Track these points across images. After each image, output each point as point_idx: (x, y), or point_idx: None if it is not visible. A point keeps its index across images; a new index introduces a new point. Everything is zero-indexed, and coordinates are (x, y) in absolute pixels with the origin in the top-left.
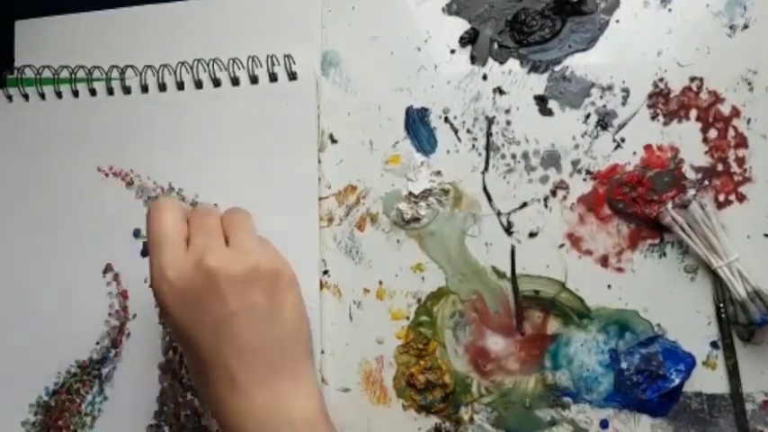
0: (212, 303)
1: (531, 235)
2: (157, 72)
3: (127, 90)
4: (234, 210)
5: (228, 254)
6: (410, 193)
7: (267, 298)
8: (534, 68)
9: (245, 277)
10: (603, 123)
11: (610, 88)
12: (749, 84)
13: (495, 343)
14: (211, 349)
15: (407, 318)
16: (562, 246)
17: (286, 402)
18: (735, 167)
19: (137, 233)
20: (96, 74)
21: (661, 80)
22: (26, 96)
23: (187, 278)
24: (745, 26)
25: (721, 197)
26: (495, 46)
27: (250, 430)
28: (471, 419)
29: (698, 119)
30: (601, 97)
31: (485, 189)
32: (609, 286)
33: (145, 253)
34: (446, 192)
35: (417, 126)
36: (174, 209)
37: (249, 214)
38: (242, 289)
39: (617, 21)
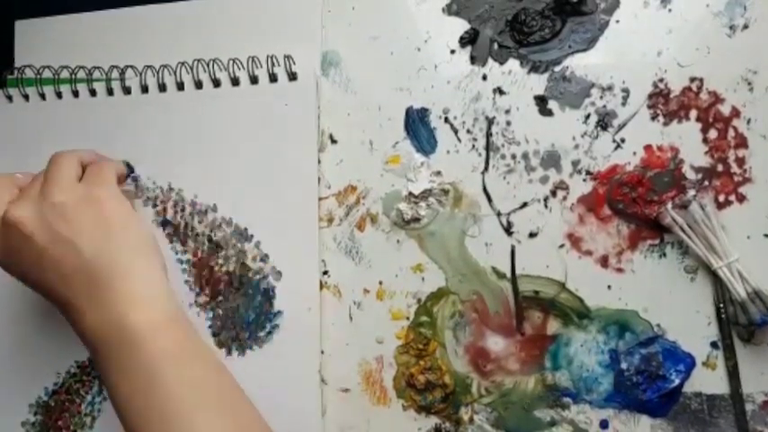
0: (24, 247)
1: (531, 235)
2: (157, 72)
3: (127, 90)
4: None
5: (30, 200)
6: (410, 194)
7: (70, 227)
8: (534, 69)
9: (48, 215)
10: (603, 124)
11: (610, 88)
12: (749, 84)
13: (495, 343)
14: (42, 286)
15: (407, 318)
16: (562, 246)
17: (117, 315)
18: (735, 168)
19: None
20: (96, 74)
21: (661, 80)
22: (26, 96)
23: (1, 235)
24: (745, 26)
25: (721, 197)
26: (495, 46)
27: (98, 348)
28: (471, 420)
29: (698, 119)
30: (601, 97)
31: (485, 189)
32: (609, 287)
33: None
34: (446, 192)
35: (417, 126)
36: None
37: (104, 162)
38: (47, 225)
39: (617, 21)
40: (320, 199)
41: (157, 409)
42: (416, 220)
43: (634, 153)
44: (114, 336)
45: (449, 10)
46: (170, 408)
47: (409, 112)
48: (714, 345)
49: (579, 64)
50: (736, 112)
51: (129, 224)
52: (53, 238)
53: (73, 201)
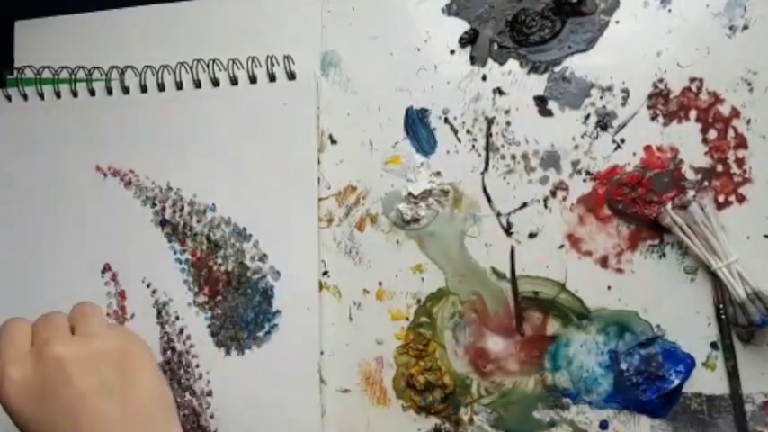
0: (61, 389)
1: (531, 236)
2: (157, 72)
3: (126, 90)
4: (79, 303)
5: (73, 340)
6: (410, 194)
7: (117, 374)
8: (534, 69)
9: (90, 358)
10: (603, 124)
11: (609, 89)
12: (749, 84)
13: (495, 344)
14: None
15: (407, 318)
16: (562, 246)
17: None
18: (734, 168)
19: None
20: (96, 74)
21: (661, 81)
22: (25, 96)
23: (32, 372)
24: (745, 27)
25: (721, 198)
26: (495, 46)
27: None
28: (471, 420)
29: (698, 119)
30: (600, 98)
31: (484, 190)
32: (608, 287)
33: None
34: (446, 192)
35: (417, 126)
36: (17, 320)
37: (96, 305)
38: (88, 369)
39: (617, 21)
40: (320, 199)
41: None
42: (416, 220)
43: (634, 153)
44: None
45: (449, 10)
46: None
47: (409, 112)
48: (714, 345)
49: (579, 64)
50: (735, 113)
51: (158, 383)
52: (98, 384)
53: (114, 349)
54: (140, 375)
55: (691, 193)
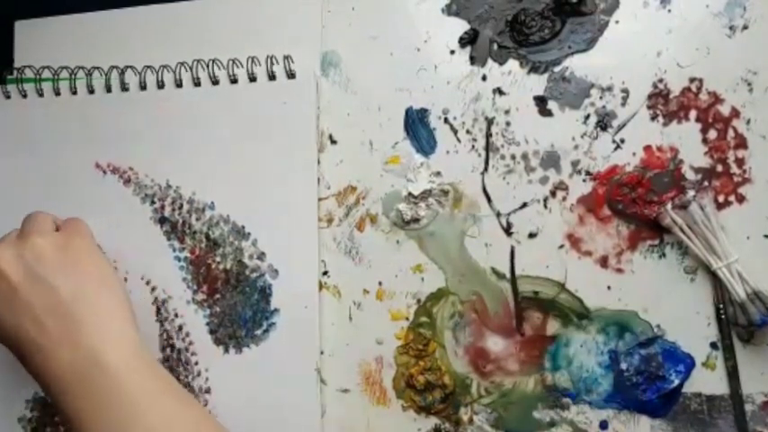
0: (0, 286)
1: (531, 236)
2: (157, 72)
3: (125, 88)
4: (36, 212)
5: (11, 242)
6: (410, 194)
7: (54, 261)
8: (534, 69)
9: (26, 255)
10: (603, 124)
11: (609, 89)
12: (749, 84)
13: (495, 344)
14: (11, 325)
15: (407, 318)
16: (562, 246)
17: (93, 352)
18: (734, 168)
19: None
20: (96, 75)
21: (660, 81)
22: (24, 94)
23: None
24: (745, 27)
25: (721, 198)
26: (495, 46)
27: (68, 388)
28: (471, 420)
29: (697, 119)
30: (600, 98)
31: (484, 190)
32: (608, 287)
33: None
34: (446, 192)
35: (417, 127)
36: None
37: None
38: (23, 264)
39: (616, 21)
40: (320, 199)
41: None
42: (416, 220)
43: (634, 153)
44: (89, 374)
45: (448, 10)
46: None
47: (409, 112)
48: (714, 345)
49: (579, 64)
50: (735, 113)
51: (101, 266)
52: (28, 278)
53: (51, 245)
54: (79, 261)
55: (691, 193)
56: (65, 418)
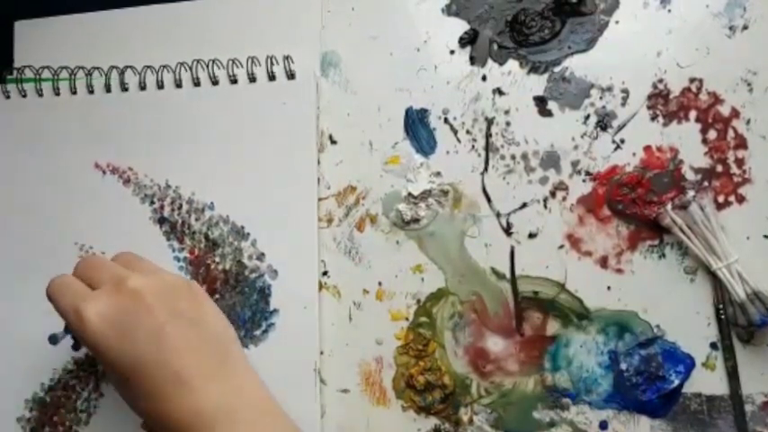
0: (143, 319)
1: (531, 236)
2: (156, 72)
3: (125, 88)
4: (123, 252)
5: (145, 274)
6: (409, 194)
7: (190, 305)
8: (534, 69)
9: (166, 290)
10: (603, 124)
11: (609, 89)
12: (749, 85)
13: (495, 344)
14: (153, 361)
15: (407, 319)
16: (561, 247)
17: (239, 391)
18: (734, 168)
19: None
20: (96, 75)
21: (660, 81)
22: (24, 93)
23: (113, 305)
24: (745, 27)
25: (721, 198)
26: (495, 47)
27: (213, 423)
28: (471, 420)
29: (697, 120)
30: (600, 98)
31: (484, 190)
32: (608, 287)
33: (76, 346)
34: (445, 193)
35: (417, 127)
36: (62, 276)
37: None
38: (166, 300)
39: (616, 21)
40: (320, 199)
41: None
42: (416, 220)
43: (633, 154)
44: (238, 408)
45: (448, 10)
46: None
47: (409, 112)
48: (713, 345)
49: (579, 65)
50: (735, 113)
51: (224, 317)
52: (173, 314)
53: (181, 281)
54: (207, 306)
55: (690, 193)
56: None
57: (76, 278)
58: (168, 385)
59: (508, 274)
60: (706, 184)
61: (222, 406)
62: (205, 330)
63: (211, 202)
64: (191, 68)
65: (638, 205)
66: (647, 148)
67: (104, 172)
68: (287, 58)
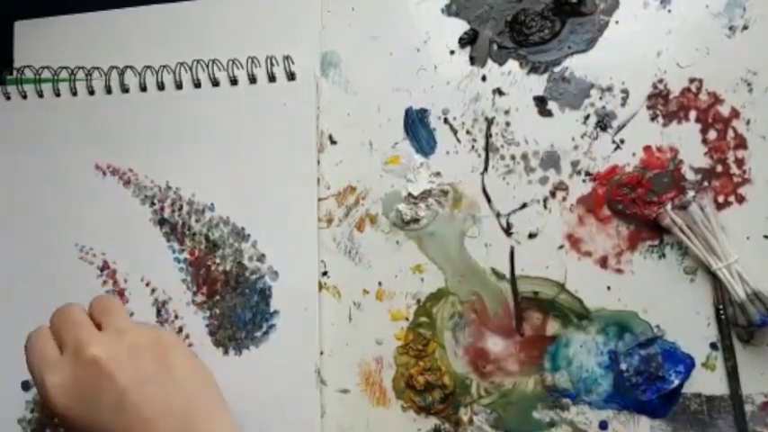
0: (104, 388)
1: (531, 236)
2: (156, 72)
3: (125, 89)
4: (99, 297)
5: (105, 337)
6: (409, 194)
7: (154, 365)
8: (534, 69)
9: (128, 354)
10: (603, 124)
11: (609, 89)
12: (749, 85)
13: (495, 344)
14: (119, 430)
15: (407, 319)
16: (561, 247)
17: None
18: (734, 169)
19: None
20: (96, 75)
21: (660, 81)
22: (24, 94)
23: (72, 376)
24: (745, 27)
25: (721, 198)
26: (495, 47)
27: None
28: (471, 420)
29: (697, 120)
30: (600, 98)
31: (484, 190)
32: (608, 287)
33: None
34: (445, 193)
35: (417, 127)
36: (39, 329)
37: (116, 298)
38: (127, 365)
39: (616, 22)
40: (319, 199)
41: None
42: (416, 220)
43: (633, 154)
44: None
45: (448, 10)
46: None
47: (409, 112)
48: (713, 346)
49: (579, 65)
50: (735, 113)
51: (197, 361)
52: (136, 378)
53: (147, 341)
54: (176, 360)
55: (690, 193)
56: None
57: (50, 334)
58: None
59: (508, 275)
60: (706, 184)
61: None
62: (172, 388)
63: (212, 204)
64: (191, 69)
65: (638, 205)
66: (647, 149)
67: (104, 173)
68: (287, 58)
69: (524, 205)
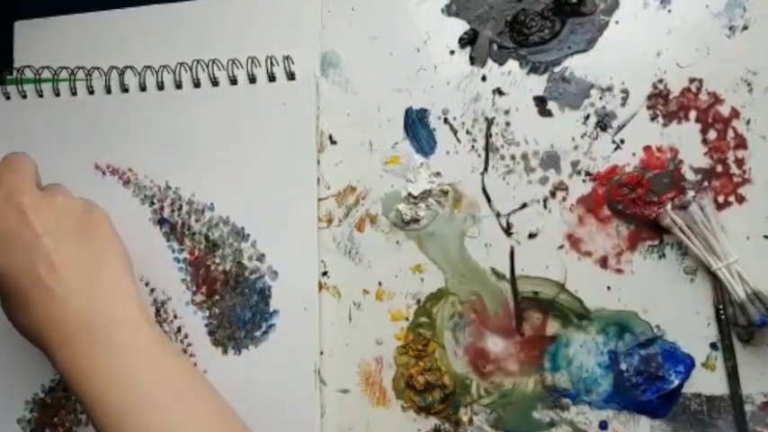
0: (23, 232)
1: (531, 236)
2: (156, 72)
3: (125, 89)
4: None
5: (37, 192)
6: (409, 194)
7: (79, 225)
8: (534, 69)
9: (51, 208)
10: (603, 124)
11: (609, 89)
12: (749, 85)
13: (495, 344)
14: (27, 271)
15: (407, 319)
16: (561, 247)
17: (104, 305)
18: (734, 169)
19: None
20: (95, 75)
21: (660, 81)
22: (24, 94)
23: None
24: (745, 27)
25: (721, 198)
26: (495, 47)
27: (73, 337)
28: (471, 421)
29: (697, 120)
30: (600, 98)
31: (484, 190)
32: (608, 287)
33: None
34: (445, 193)
35: (417, 127)
36: None
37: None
38: (50, 217)
39: (616, 22)
40: (319, 200)
41: (144, 395)
42: (416, 220)
43: (633, 154)
44: (99, 325)
45: (448, 10)
46: (158, 394)
47: (409, 112)
48: (713, 346)
49: (579, 65)
50: (735, 113)
51: (117, 236)
52: (53, 231)
53: (77, 208)
54: (99, 228)
55: (690, 193)
56: (60, 370)
57: None
58: (37, 294)
59: (508, 275)
60: (706, 184)
61: (85, 321)
62: (87, 249)
63: (211, 203)
64: (191, 69)
65: (638, 205)
66: (647, 149)
67: (104, 173)
68: (287, 58)
69: (524, 205)
